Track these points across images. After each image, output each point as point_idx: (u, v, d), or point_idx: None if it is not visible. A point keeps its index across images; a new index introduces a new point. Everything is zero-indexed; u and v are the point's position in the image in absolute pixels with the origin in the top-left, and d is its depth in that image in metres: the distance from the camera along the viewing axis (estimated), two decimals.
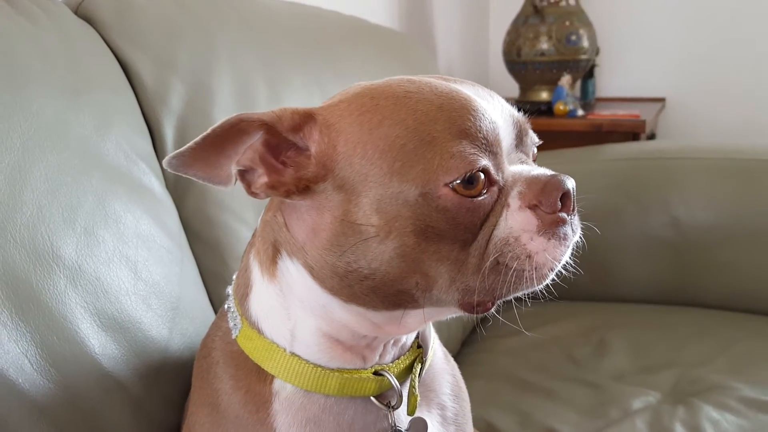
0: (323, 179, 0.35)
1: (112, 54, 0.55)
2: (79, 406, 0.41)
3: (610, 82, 1.83)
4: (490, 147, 0.34)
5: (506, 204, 0.34)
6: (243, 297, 0.40)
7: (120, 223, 0.48)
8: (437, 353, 0.45)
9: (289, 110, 0.35)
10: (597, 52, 1.57)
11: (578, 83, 1.65)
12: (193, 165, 0.34)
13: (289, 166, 0.36)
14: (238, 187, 0.63)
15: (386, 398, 0.39)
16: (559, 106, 1.41)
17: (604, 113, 1.44)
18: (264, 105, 0.65)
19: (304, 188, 0.35)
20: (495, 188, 0.34)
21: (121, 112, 0.53)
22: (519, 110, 0.39)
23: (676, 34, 1.80)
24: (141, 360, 0.45)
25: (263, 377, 0.38)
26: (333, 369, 0.38)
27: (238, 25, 0.67)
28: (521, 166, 0.36)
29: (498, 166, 0.35)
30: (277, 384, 0.38)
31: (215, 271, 0.58)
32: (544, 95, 1.51)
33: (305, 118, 0.35)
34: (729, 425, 0.70)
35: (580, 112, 1.42)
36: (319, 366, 0.38)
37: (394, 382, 0.39)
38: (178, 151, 0.34)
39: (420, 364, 0.41)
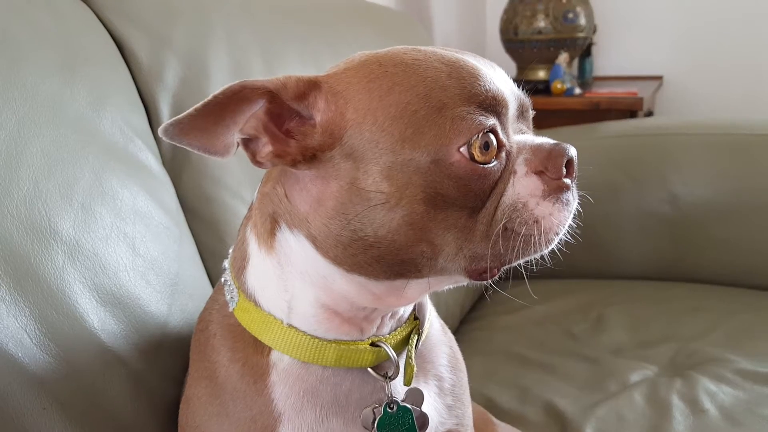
0: (330, 148, 0.34)
1: (106, 31, 0.55)
2: (79, 379, 0.41)
3: (607, 60, 1.82)
4: (498, 110, 0.35)
5: (513, 171, 0.35)
6: (240, 270, 0.40)
7: (117, 199, 0.47)
8: (434, 325, 0.45)
9: (293, 78, 0.35)
10: (594, 30, 1.56)
11: (575, 61, 1.64)
12: (189, 134, 0.33)
13: (292, 135, 0.35)
14: (234, 163, 0.63)
15: (383, 369, 0.39)
16: (557, 85, 1.40)
17: (602, 91, 1.44)
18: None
19: (311, 157, 0.35)
20: (503, 154, 0.35)
21: (117, 88, 0.52)
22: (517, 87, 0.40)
23: (673, 12, 1.79)
24: (140, 335, 0.46)
25: (260, 349, 0.38)
26: (330, 340, 0.38)
27: (235, 3, 0.66)
28: (524, 136, 0.37)
29: (505, 130, 0.36)
30: (275, 356, 0.38)
31: (213, 248, 0.58)
32: (542, 74, 1.50)
33: (310, 86, 0.35)
34: (725, 396, 0.70)
35: (578, 91, 1.41)
36: (317, 337, 0.38)
37: (391, 353, 0.39)
38: (176, 118, 0.33)
39: (417, 336, 0.41)
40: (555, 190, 0.35)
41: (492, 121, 0.34)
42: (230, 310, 0.40)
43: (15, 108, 0.43)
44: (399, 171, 0.33)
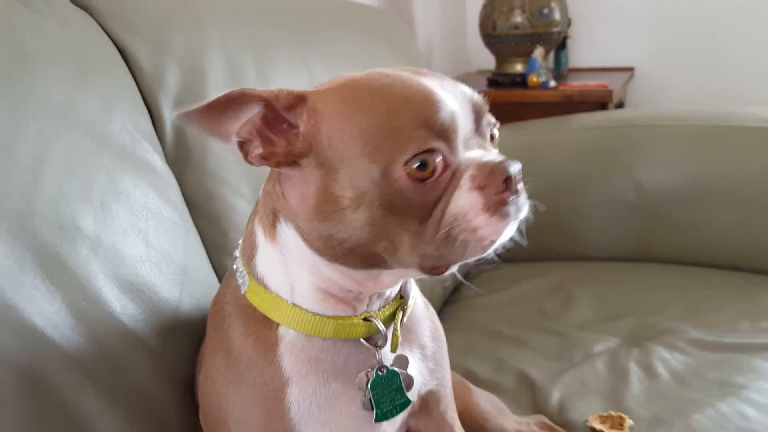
0: (307, 155, 0.40)
1: (110, 40, 0.59)
2: (108, 358, 0.47)
3: (582, 52, 1.89)
4: (445, 134, 0.39)
5: (459, 185, 0.39)
6: (249, 258, 0.45)
7: (130, 197, 0.53)
8: (418, 303, 0.52)
9: (285, 91, 0.40)
10: (569, 24, 1.62)
11: (551, 54, 1.70)
12: (197, 122, 0.39)
13: (280, 139, 0.41)
14: (233, 161, 0.68)
15: (374, 340, 0.46)
16: (533, 78, 1.46)
17: (575, 84, 1.50)
18: (253, 84, 0.69)
19: (292, 162, 0.40)
20: (449, 171, 0.39)
21: (123, 94, 0.57)
22: (486, 91, 0.44)
23: (644, 5, 1.86)
24: (157, 319, 0.51)
25: (269, 325, 0.44)
26: (328, 316, 0.44)
27: (227, 9, 0.71)
28: (477, 152, 0.41)
29: (452, 151, 0.40)
30: (282, 330, 0.44)
31: (215, 241, 0.64)
32: (519, 67, 1.56)
33: (298, 100, 0.40)
34: (677, 363, 0.79)
35: (553, 84, 1.48)
36: (317, 314, 0.44)
37: (380, 326, 0.45)
38: (186, 110, 0.38)
39: (402, 312, 0.47)
40: (494, 204, 0.38)
41: (435, 143, 0.38)
42: (242, 292, 0.45)
43: (36, 117, 0.48)
44: (359, 181, 0.38)
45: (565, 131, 1.22)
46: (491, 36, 1.54)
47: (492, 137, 0.44)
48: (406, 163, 0.38)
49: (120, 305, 0.48)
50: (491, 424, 0.63)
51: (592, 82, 1.50)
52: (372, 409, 0.45)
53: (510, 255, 1.25)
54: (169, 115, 0.61)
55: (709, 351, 0.81)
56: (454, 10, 1.94)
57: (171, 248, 0.55)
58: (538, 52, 1.46)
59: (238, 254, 0.47)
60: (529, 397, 0.75)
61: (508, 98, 1.45)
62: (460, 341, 0.84)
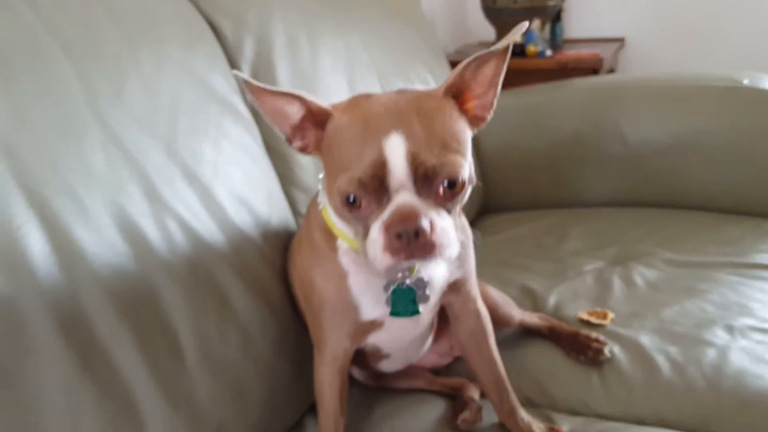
0: (321, 151, 0.54)
1: (203, 18, 0.76)
2: (233, 247, 0.65)
3: (576, 24, 2.03)
4: (373, 188, 0.47)
5: (376, 220, 0.48)
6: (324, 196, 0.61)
7: (231, 136, 0.70)
8: None
9: (318, 104, 0.51)
10: None
11: (547, 26, 1.85)
12: (260, 98, 0.52)
13: (311, 135, 0.54)
14: None
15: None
16: (531, 48, 1.62)
17: (570, 53, 1.65)
18: (306, 53, 0.86)
19: (316, 152, 0.54)
20: (369, 208, 0.48)
21: (216, 58, 0.74)
22: None
23: None
24: (258, 225, 0.69)
25: (333, 237, 0.60)
26: None
27: None
28: (404, 197, 0.47)
29: (378, 199, 0.48)
30: (339, 241, 0.60)
31: (284, 174, 0.81)
32: (518, 38, 1.71)
33: (325, 113, 0.51)
34: (652, 276, 0.96)
35: (549, 53, 1.63)
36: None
37: None
38: (254, 82, 0.50)
39: None
40: (388, 245, 0.47)
41: (359, 191, 0.47)
42: (320, 209, 0.61)
43: (169, 71, 0.65)
44: (328, 185, 0.52)
45: (560, 94, 1.35)
46: (492, 9, 1.69)
47: (452, 187, 0.49)
48: (341, 196, 0.48)
49: (235, 212, 0.66)
50: (501, 311, 0.81)
51: (584, 52, 1.65)
52: (389, 306, 0.58)
53: (512, 203, 1.45)
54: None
55: (680, 267, 0.98)
56: None
57: (259, 176, 0.73)
58: (536, 24, 1.61)
59: (320, 186, 0.62)
60: (530, 302, 0.93)
61: (509, 66, 1.61)
62: None
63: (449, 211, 0.50)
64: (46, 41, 0.55)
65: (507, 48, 0.52)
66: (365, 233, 0.50)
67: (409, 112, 0.49)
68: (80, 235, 0.52)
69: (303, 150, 0.55)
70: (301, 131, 0.54)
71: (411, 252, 0.48)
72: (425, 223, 0.47)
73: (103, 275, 0.53)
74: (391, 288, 0.58)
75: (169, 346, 0.57)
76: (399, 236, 0.47)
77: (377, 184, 0.48)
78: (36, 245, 0.49)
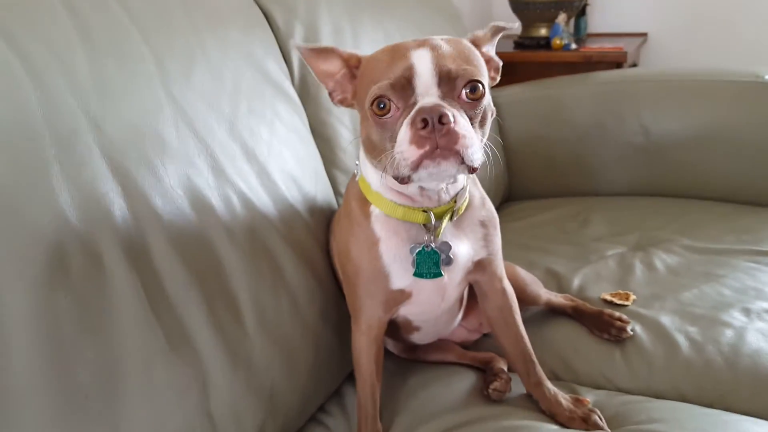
0: (357, 96, 0.60)
1: (257, 5, 0.81)
2: (285, 220, 0.70)
3: (600, 19, 2.05)
4: (401, 88, 0.53)
5: (403, 123, 0.52)
6: (361, 161, 0.66)
7: (283, 118, 0.75)
8: (475, 201, 0.68)
9: (355, 55, 0.60)
10: None
11: (572, 21, 1.88)
12: (307, 56, 0.61)
13: (350, 86, 0.61)
14: None
15: (430, 228, 0.62)
16: (556, 41, 1.65)
17: (594, 47, 1.68)
18: (349, 39, 0.91)
19: (352, 103, 0.61)
20: (399, 112, 0.53)
21: (271, 45, 0.79)
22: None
23: None
24: (305, 201, 0.74)
25: (367, 203, 0.65)
26: (399, 204, 0.63)
27: None
28: (430, 99, 0.52)
29: (405, 100, 0.53)
30: (373, 207, 0.64)
31: (327, 155, 0.86)
32: (543, 31, 1.74)
33: (358, 62, 0.60)
34: (672, 261, 1.00)
35: (573, 46, 1.66)
36: (392, 201, 0.61)
37: (432, 217, 0.62)
38: (303, 45, 0.61)
39: (451, 213, 0.63)
40: (414, 137, 0.51)
41: (387, 92, 0.52)
42: (356, 179, 0.66)
43: (231, 56, 0.70)
44: (364, 111, 0.57)
45: (584, 86, 1.39)
46: (519, 3, 1.72)
47: (473, 92, 0.54)
48: (372, 104, 0.54)
49: (286, 188, 0.71)
50: (529, 289, 0.85)
51: (608, 46, 1.68)
52: (414, 267, 0.62)
53: (535, 191, 1.49)
54: (297, 62, 0.83)
55: (699, 254, 1.02)
56: None
57: (307, 156, 0.78)
58: (561, 17, 1.64)
59: (358, 160, 0.68)
60: (554, 283, 0.97)
61: (534, 59, 1.64)
62: None
63: (472, 119, 0.54)
64: (127, 27, 0.60)
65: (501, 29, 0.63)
66: (392, 142, 0.53)
67: (434, 39, 0.56)
68: (156, 203, 0.58)
69: (343, 102, 0.62)
70: (341, 85, 0.62)
71: (435, 143, 0.50)
72: (449, 113, 0.50)
73: (175, 240, 0.58)
74: (416, 250, 0.62)
75: (231, 308, 0.63)
76: (425, 125, 0.50)
77: (405, 85, 0.52)
78: (118, 211, 0.54)
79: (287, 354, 0.68)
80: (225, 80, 0.68)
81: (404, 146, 0.51)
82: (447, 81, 0.53)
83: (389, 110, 0.53)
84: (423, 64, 0.53)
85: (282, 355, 0.67)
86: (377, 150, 0.56)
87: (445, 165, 0.52)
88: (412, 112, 0.51)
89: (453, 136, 0.50)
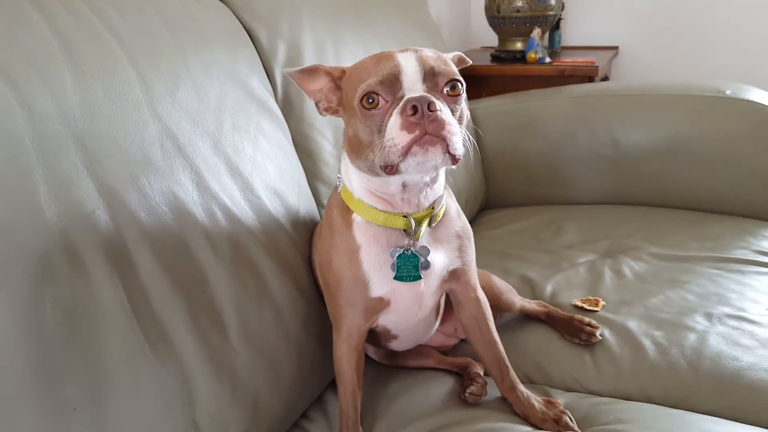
0: (343, 105, 0.63)
1: (241, 25, 0.83)
2: (268, 233, 0.72)
3: (573, 32, 2.12)
4: (388, 83, 0.57)
5: (392, 113, 0.56)
6: (344, 172, 0.69)
7: (267, 134, 0.77)
8: (451, 212, 0.72)
9: (338, 68, 0.65)
10: (562, 7, 1.85)
11: (547, 35, 1.94)
12: (294, 78, 0.64)
13: (334, 97, 0.64)
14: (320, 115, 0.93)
15: (410, 233, 0.65)
16: (531, 55, 1.70)
17: (567, 60, 1.74)
18: (331, 56, 0.94)
19: (337, 110, 0.65)
20: (387, 105, 0.57)
21: (255, 63, 0.81)
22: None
23: None
24: (289, 214, 0.77)
25: (349, 212, 0.67)
26: (380, 210, 0.65)
27: (313, 3, 0.95)
28: (416, 91, 0.56)
29: (392, 94, 0.57)
30: (354, 215, 0.67)
31: (310, 169, 0.88)
32: (519, 45, 1.79)
33: (343, 73, 0.63)
34: (639, 268, 1.05)
35: (548, 60, 1.71)
36: (373, 207, 0.64)
37: (412, 221, 0.64)
38: (290, 69, 0.65)
39: (429, 218, 0.66)
40: (404, 123, 0.54)
41: (376, 88, 0.56)
42: (338, 190, 0.69)
43: (215, 75, 0.72)
44: (352, 109, 0.60)
45: (558, 99, 1.43)
46: (495, 17, 1.77)
47: (453, 89, 0.59)
48: (361, 100, 0.58)
49: (269, 202, 0.74)
50: (504, 297, 0.89)
51: (581, 59, 1.74)
52: (394, 271, 0.65)
53: (511, 200, 1.54)
54: (279, 79, 0.85)
55: (665, 261, 1.07)
56: None
57: (290, 170, 0.80)
58: (536, 32, 1.70)
59: (340, 169, 0.70)
60: (528, 289, 1.01)
61: (510, 72, 1.69)
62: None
63: (452, 113, 0.58)
64: (115, 51, 0.62)
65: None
66: (381, 134, 0.56)
67: (416, 47, 0.60)
68: (142, 219, 0.59)
69: (328, 110, 0.65)
70: (326, 96, 0.65)
71: (424, 128, 0.54)
72: (436, 102, 0.55)
73: (160, 255, 0.60)
74: (397, 254, 0.65)
75: (216, 320, 0.64)
76: (414, 112, 0.54)
77: (393, 81, 0.57)
78: (105, 228, 0.56)
79: (271, 364, 0.70)
80: (209, 98, 0.70)
81: (395, 132, 0.55)
82: (431, 77, 0.57)
83: (378, 104, 0.57)
84: (409, 63, 0.58)
85: (266, 364, 0.69)
86: (363, 145, 0.59)
87: (432, 152, 0.55)
88: (402, 102, 0.55)
89: (440, 123, 0.54)
